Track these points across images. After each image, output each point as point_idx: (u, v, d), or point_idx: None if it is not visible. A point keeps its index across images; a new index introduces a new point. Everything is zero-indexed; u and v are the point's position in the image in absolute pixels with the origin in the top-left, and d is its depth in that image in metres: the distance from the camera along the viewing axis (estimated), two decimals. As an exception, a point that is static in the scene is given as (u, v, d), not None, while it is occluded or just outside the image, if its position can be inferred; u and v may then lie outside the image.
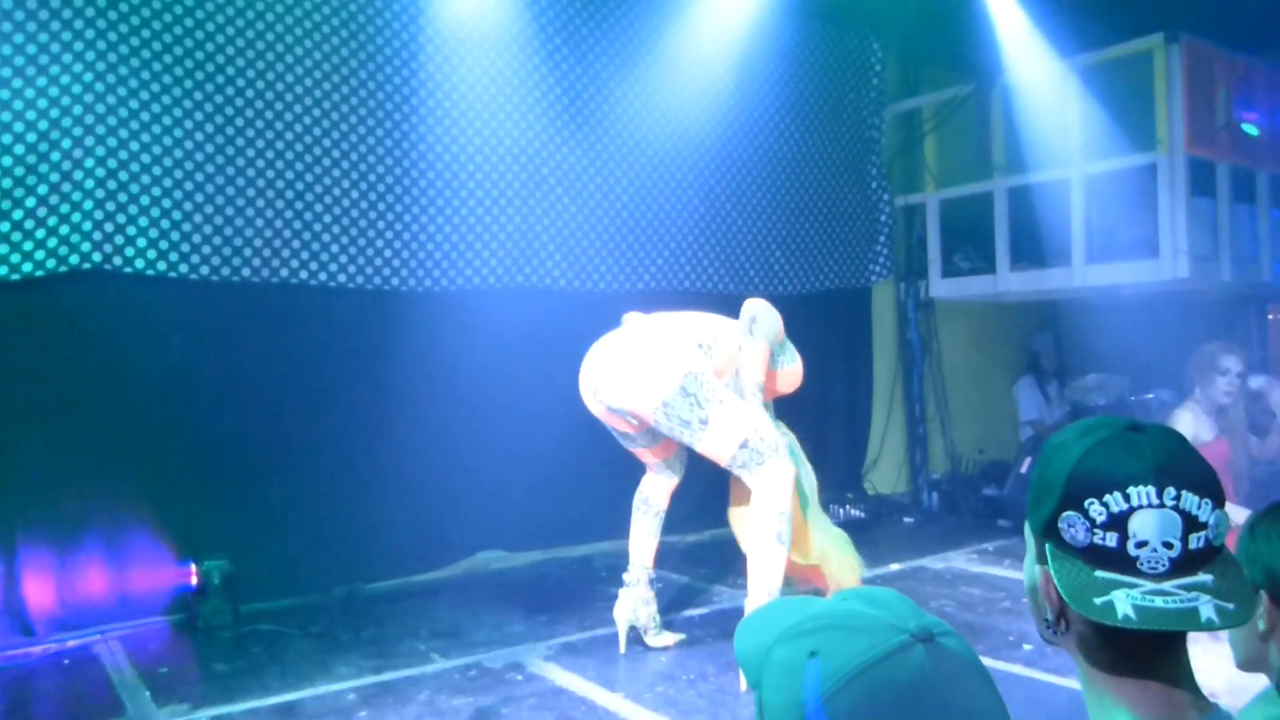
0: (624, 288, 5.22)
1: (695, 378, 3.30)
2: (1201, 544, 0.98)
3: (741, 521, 3.53)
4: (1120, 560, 0.98)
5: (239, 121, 4.19)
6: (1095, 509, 0.99)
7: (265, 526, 4.22)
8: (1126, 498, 0.98)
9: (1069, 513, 1.01)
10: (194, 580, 3.97)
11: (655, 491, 3.70)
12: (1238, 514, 4.28)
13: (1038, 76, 5.88)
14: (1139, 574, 0.98)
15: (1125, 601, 0.96)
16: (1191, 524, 0.98)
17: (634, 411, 3.41)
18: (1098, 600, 0.97)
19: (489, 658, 3.57)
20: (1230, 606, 0.97)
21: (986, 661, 2.95)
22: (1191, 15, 5.74)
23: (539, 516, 5.03)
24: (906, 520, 6.22)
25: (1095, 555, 0.99)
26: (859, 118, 6.49)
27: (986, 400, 7.17)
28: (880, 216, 6.62)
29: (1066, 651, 1.08)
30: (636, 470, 3.79)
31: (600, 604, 4.21)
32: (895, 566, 4.91)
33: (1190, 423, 4.47)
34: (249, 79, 4.22)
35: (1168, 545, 0.97)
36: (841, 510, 6.06)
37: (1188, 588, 0.97)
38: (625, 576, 3.66)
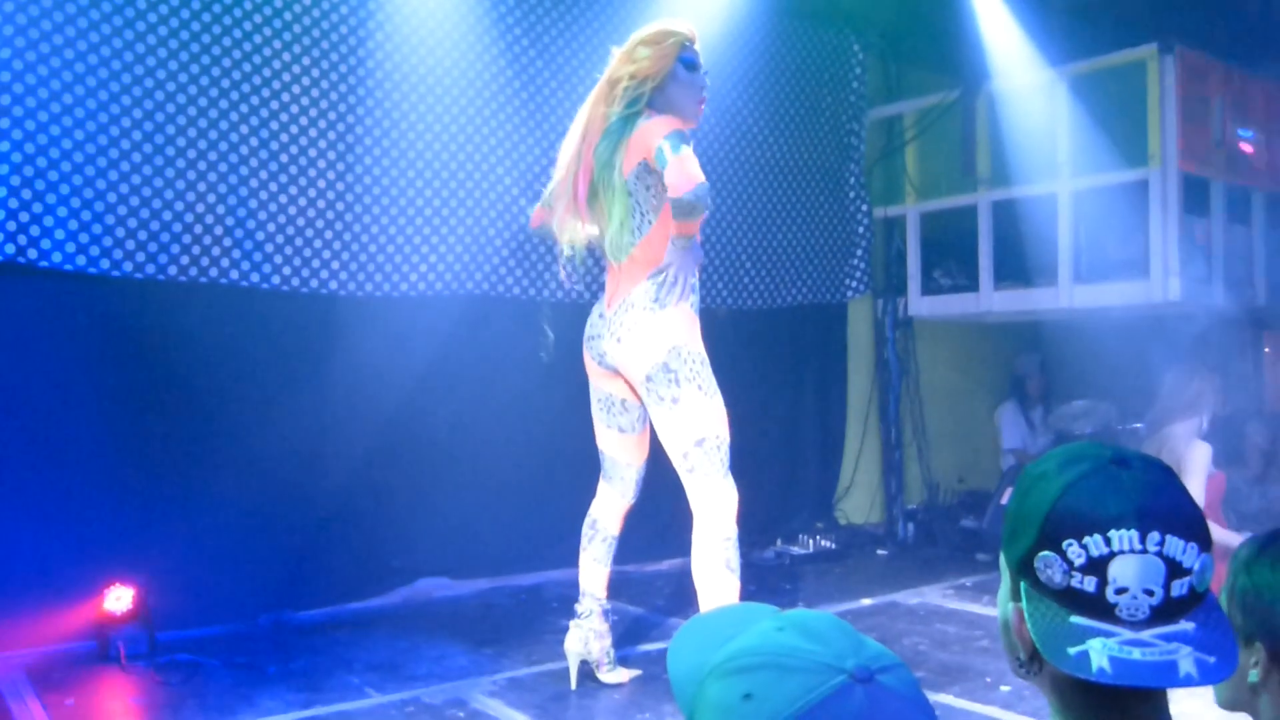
0: (583, 298, 5.26)
1: (680, 353, 3.33)
2: (1185, 591, 1.00)
3: None
4: (1098, 606, 1.00)
5: (169, 108, 4.20)
6: (1074, 551, 1.01)
7: (185, 548, 4.20)
8: (1107, 541, 1.00)
9: (1046, 552, 1.02)
10: (106, 605, 3.93)
11: (605, 515, 3.71)
12: (1231, 539, 4.43)
13: (1025, 85, 6.03)
14: (1117, 621, 0.99)
15: (1101, 653, 0.98)
16: (1175, 570, 0.99)
17: (625, 376, 3.44)
18: (1072, 650, 0.99)
19: (428, 693, 3.59)
20: (1211, 660, 0.98)
21: (962, 704, 3.00)
22: (1186, 25, 5.93)
23: (486, 542, 5.06)
24: (880, 552, 6.30)
25: (1072, 599, 1.01)
26: (837, 122, 6.61)
27: (967, 426, 7.30)
28: (858, 228, 6.74)
29: (1039, 689, 1.11)
30: (590, 493, 3.83)
31: (550, 636, 4.24)
32: (867, 601, 4.99)
33: (1208, 455, 4.60)
34: (182, 61, 4.23)
35: (1149, 592, 0.99)
36: (811, 541, 6.14)
37: (1168, 638, 0.98)
38: (577, 608, 3.70)
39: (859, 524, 6.71)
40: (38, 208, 3.90)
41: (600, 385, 3.61)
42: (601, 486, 3.73)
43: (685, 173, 3.14)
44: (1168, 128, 5.53)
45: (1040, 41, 6.03)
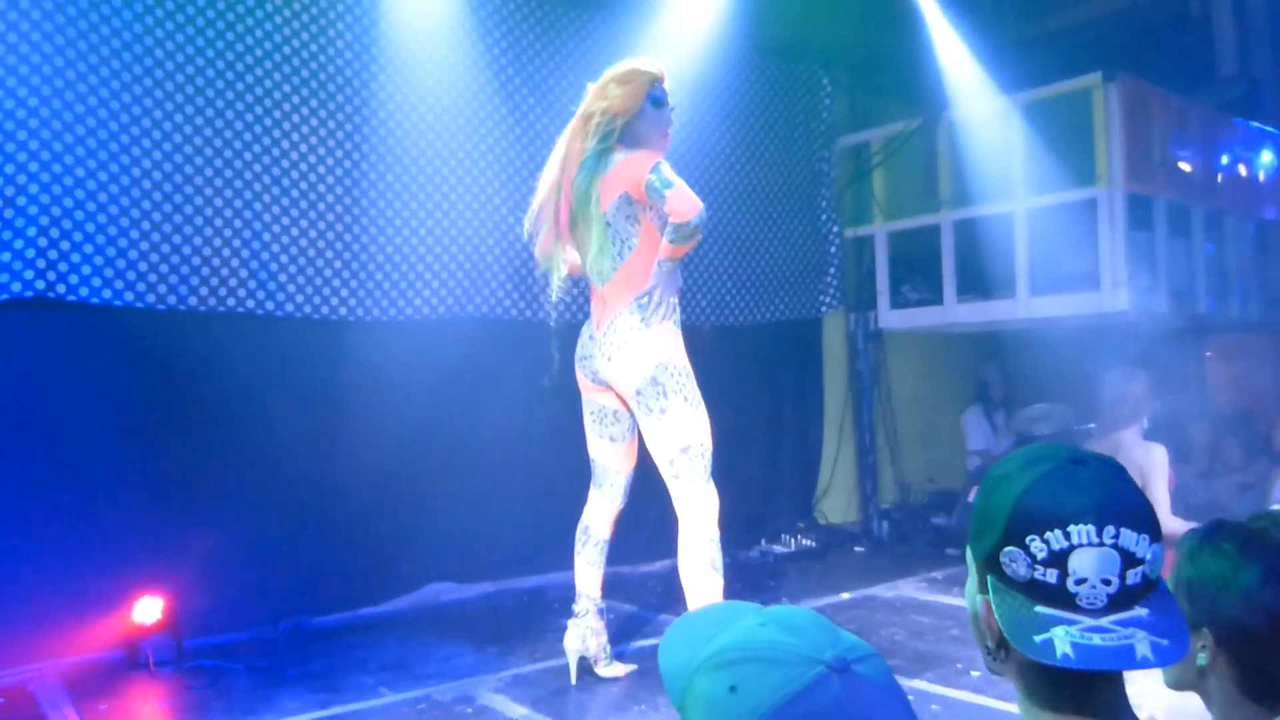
0: (576, 318, 5.28)
1: (666, 368, 3.35)
2: (1139, 579, 1.03)
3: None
4: (1060, 596, 1.02)
5: (187, 149, 4.22)
6: (1036, 546, 1.03)
7: (209, 560, 4.19)
8: (1067, 535, 1.02)
9: (1011, 548, 1.04)
10: (135, 615, 3.93)
11: (597, 520, 3.71)
12: (1181, 529, 4.44)
13: (982, 112, 6.10)
14: (1078, 610, 1.02)
15: (1064, 640, 1.00)
16: (1129, 560, 1.02)
17: (617, 390, 3.46)
18: (1037, 638, 1.01)
19: (439, 690, 3.59)
20: (1165, 643, 1.01)
21: (935, 689, 3.02)
22: (1128, 56, 6.02)
23: (489, 547, 5.06)
24: (857, 549, 6.33)
25: (1036, 590, 1.03)
26: (809, 150, 6.67)
27: (935, 430, 7.34)
28: (830, 248, 6.79)
29: (1008, 679, 1.13)
30: (585, 499, 3.84)
31: (552, 635, 4.24)
32: (846, 595, 5.01)
33: (1165, 457, 4.64)
34: (198, 106, 4.25)
35: (1106, 582, 1.01)
36: (793, 540, 6.15)
37: (1125, 624, 1.01)
38: (574, 608, 3.70)
39: (837, 523, 6.73)
40: (65, 245, 3.92)
41: (593, 398, 3.63)
42: (592, 494, 3.74)
43: (688, 199, 3.19)
44: (1113, 150, 5.60)
45: (994, 72, 6.11)
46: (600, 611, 3.70)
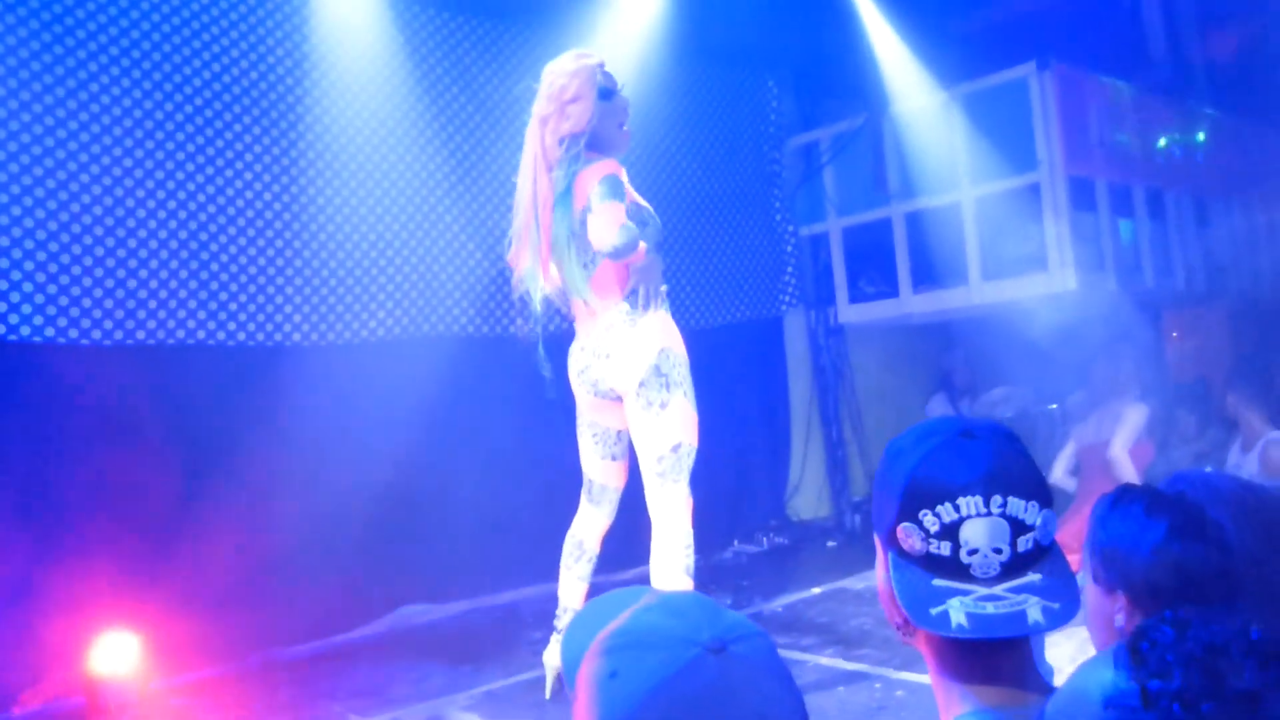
0: (535, 332, 5.18)
1: (669, 355, 3.26)
2: (1030, 546, 1.02)
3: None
4: (954, 568, 1.02)
5: (128, 182, 4.09)
6: (929, 520, 1.03)
7: (174, 597, 4.03)
8: (957, 508, 1.01)
9: (906, 523, 1.04)
10: (94, 657, 3.76)
11: (590, 536, 3.58)
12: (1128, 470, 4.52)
13: (924, 106, 6.09)
14: (972, 580, 1.01)
15: (959, 610, 1.00)
16: (1019, 528, 1.01)
17: (619, 390, 3.33)
18: (934, 611, 1.01)
19: (408, 713, 3.48)
20: (1056, 606, 1.01)
21: (901, 675, 2.93)
22: (1060, 44, 6.02)
23: (462, 566, 4.92)
24: (830, 544, 6.25)
25: (931, 563, 1.03)
26: (758, 153, 6.64)
27: (902, 420, 7.25)
28: (786, 247, 6.75)
29: (918, 649, 1.11)
30: (560, 512, 3.73)
31: (526, 649, 4.14)
32: (816, 590, 4.93)
33: (1143, 416, 4.67)
34: (136, 139, 4.12)
35: (998, 551, 1.01)
36: (766, 539, 6.07)
37: (1017, 590, 1.00)
38: (557, 623, 3.57)
39: (809, 519, 6.65)
40: (2, 284, 3.76)
41: (595, 418, 3.49)
42: (587, 510, 3.59)
43: (602, 230, 3.08)
44: (1051, 135, 5.62)
45: (933, 66, 6.11)
46: None
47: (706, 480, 5.48)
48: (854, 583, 5.00)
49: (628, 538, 4.79)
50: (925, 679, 3.25)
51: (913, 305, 6.33)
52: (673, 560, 3.20)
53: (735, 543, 6.10)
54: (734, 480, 6.31)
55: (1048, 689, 1.04)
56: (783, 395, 6.77)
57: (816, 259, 6.92)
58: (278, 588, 4.33)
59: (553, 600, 3.67)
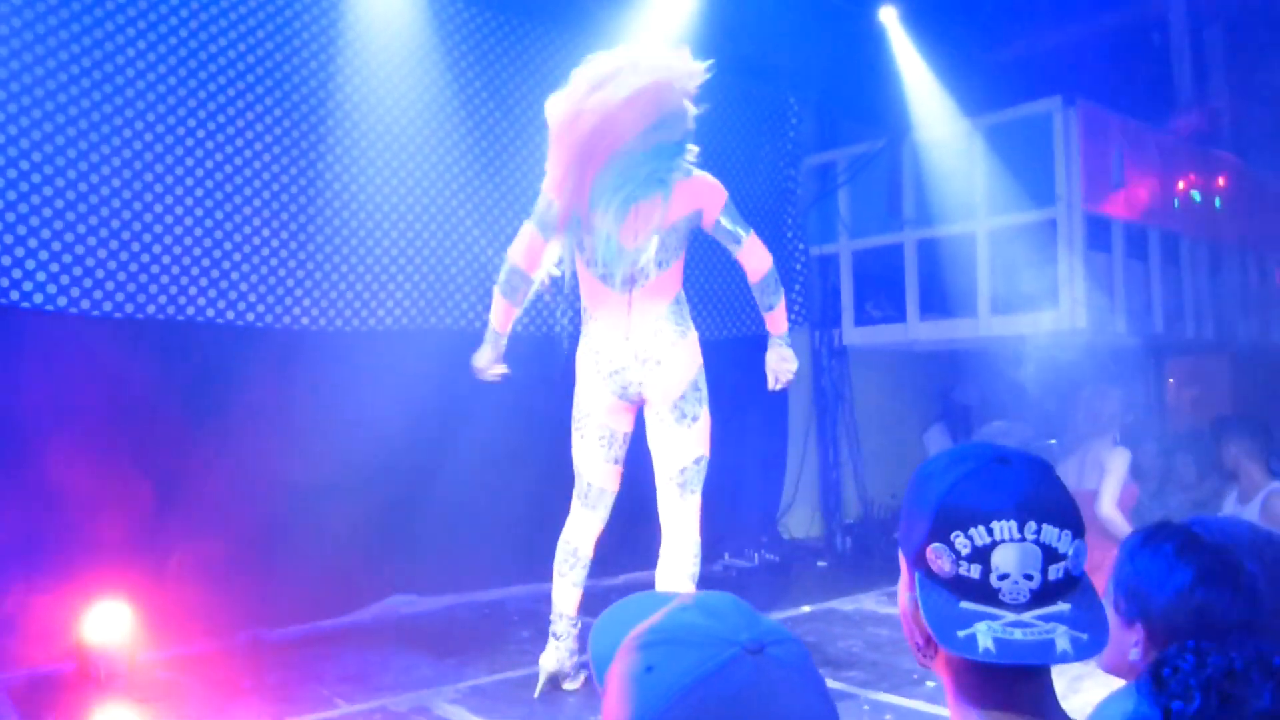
0: (540, 331, 5.30)
1: (702, 372, 3.44)
2: (1061, 575, 1.04)
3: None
4: (983, 592, 1.03)
5: (147, 156, 4.19)
6: (960, 542, 1.04)
7: (165, 572, 4.14)
8: (990, 532, 1.03)
9: (936, 544, 1.06)
10: (85, 627, 3.86)
11: (584, 541, 3.62)
12: (1118, 518, 4.62)
13: (945, 134, 6.18)
14: (1001, 605, 1.03)
15: (986, 634, 1.01)
16: (1051, 555, 1.03)
17: (651, 397, 3.43)
18: (961, 633, 1.02)
19: (395, 701, 3.56)
20: (1085, 637, 1.02)
21: (890, 699, 3.01)
22: (1086, 81, 6.14)
23: (450, 560, 5.02)
24: (820, 564, 6.36)
25: (960, 586, 1.04)
26: (775, 169, 6.75)
27: (898, 446, 7.39)
28: (795, 265, 6.85)
29: (936, 673, 1.14)
30: (549, 512, 3.82)
31: (512, 647, 4.23)
32: (806, 609, 5.03)
33: (1127, 460, 4.75)
34: (158, 114, 4.23)
35: (1029, 577, 1.02)
36: (756, 555, 6.17)
37: (1046, 619, 1.02)
38: (554, 629, 3.62)
39: (800, 538, 6.76)
40: (20, 251, 3.87)
41: (610, 421, 3.54)
42: (583, 515, 3.62)
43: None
44: (1072, 172, 5.70)
45: (958, 95, 6.21)
46: (580, 633, 3.62)
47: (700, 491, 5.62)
48: (843, 604, 5.10)
49: (618, 545, 4.92)
50: (914, 704, 3.39)
51: (918, 332, 6.42)
52: (684, 568, 3.32)
53: (726, 556, 6.20)
54: (727, 494, 6.37)
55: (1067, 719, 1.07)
56: (781, 413, 6.87)
57: (825, 280, 7.03)
58: (269, 569, 4.42)
59: (539, 600, 3.75)
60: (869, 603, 5.14)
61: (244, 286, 4.44)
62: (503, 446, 5.06)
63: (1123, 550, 1.49)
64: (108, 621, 3.86)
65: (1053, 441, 6.76)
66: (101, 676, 3.80)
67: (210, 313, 4.34)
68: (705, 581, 5.50)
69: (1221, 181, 7.25)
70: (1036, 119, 5.87)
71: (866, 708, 3.46)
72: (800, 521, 6.86)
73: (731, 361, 6.42)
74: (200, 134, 4.33)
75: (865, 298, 6.80)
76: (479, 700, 3.57)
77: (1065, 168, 5.71)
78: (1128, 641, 1.41)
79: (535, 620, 4.64)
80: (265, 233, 4.51)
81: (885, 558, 6.30)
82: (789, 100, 6.83)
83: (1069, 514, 1.06)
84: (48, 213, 3.94)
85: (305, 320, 4.61)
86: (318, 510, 4.57)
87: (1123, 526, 4.67)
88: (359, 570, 4.78)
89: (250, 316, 4.45)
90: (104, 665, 3.82)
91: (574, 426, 3.62)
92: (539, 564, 3.79)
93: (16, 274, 3.87)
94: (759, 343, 6.63)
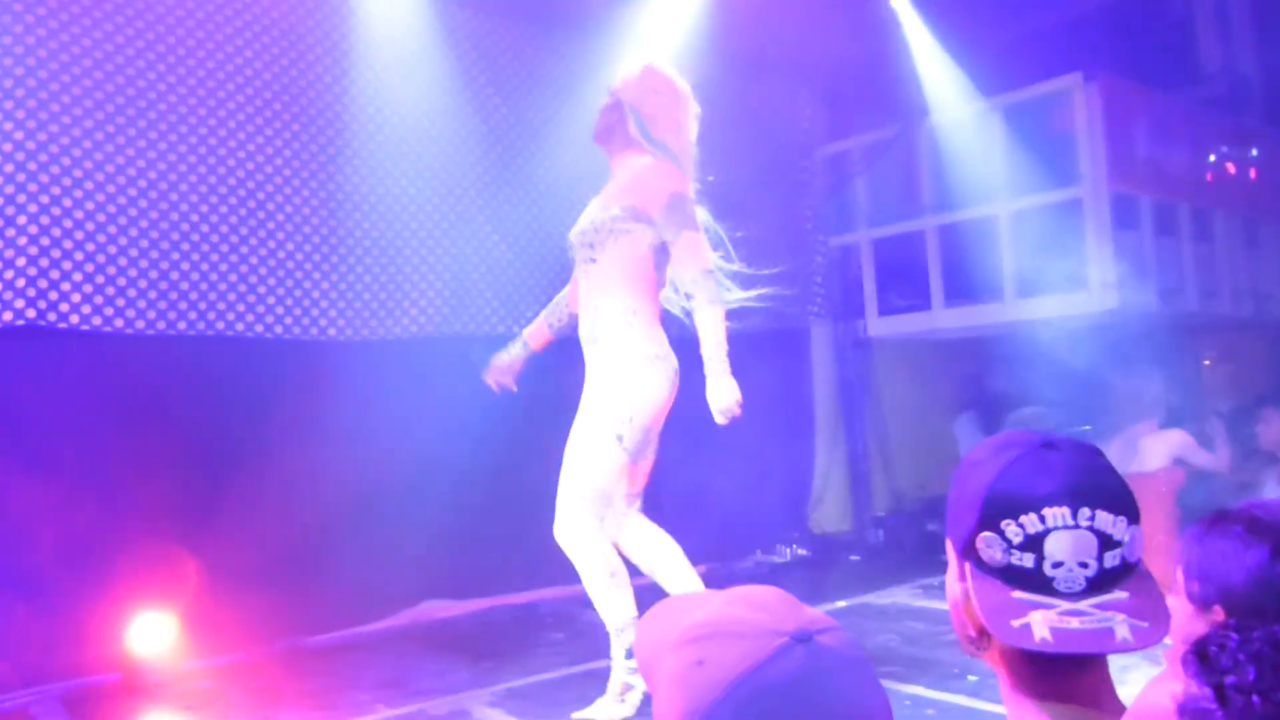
0: (563, 333, 5.39)
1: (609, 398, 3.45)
2: (1117, 562, 1.03)
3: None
4: (1037, 581, 1.02)
5: (172, 176, 4.37)
6: (1012, 530, 1.03)
7: (205, 582, 4.29)
8: (1042, 519, 1.02)
9: (987, 533, 1.05)
10: (132, 637, 4.03)
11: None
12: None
13: (961, 116, 6.19)
14: (1056, 594, 1.01)
15: (1042, 624, 1.00)
16: (1106, 542, 1.02)
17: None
18: (1015, 623, 1.01)
19: (434, 705, 3.68)
20: (1145, 625, 1.01)
21: (931, 694, 3.06)
22: (1106, 55, 6.13)
23: (483, 564, 5.16)
24: (852, 558, 6.43)
25: (1012, 575, 1.03)
26: (790, 161, 6.81)
27: (927, 436, 7.42)
28: (815, 257, 6.92)
29: (990, 665, 1.14)
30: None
31: (545, 649, 4.36)
32: (840, 604, 5.09)
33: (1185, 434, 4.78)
34: (180, 134, 4.41)
35: (1083, 565, 1.01)
36: (787, 550, 6.24)
37: (1104, 607, 1.01)
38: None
39: (831, 532, 6.82)
40: (55, 274, 4.06)
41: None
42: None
43: None
44: (1095, 149, 5.67)
45: (974, 75, 6.21)
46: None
47: (728, 488, 5.73)
48: (878, 598, 5.17)
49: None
50: (956, 698, 3.45)
51: (944, 320, 6.43)
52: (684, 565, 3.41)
53: (757, 553, 6.28)
54: (756, 489, 6.47)
55: (1124, 710, 1.06)
56: (807, 406, 6.94)
57: (845, 270, 7.06)
58: (303, 577, 4.58)
59: (571, 602, 3.82)
60: (903, 596, 5.20)
61: (270, 300, 4.61)
62: (534, 450, 5.16)
63: (1187, 539, 1.52)
64: (153, 631, 4.03)
65: (1087, 428, 6.79)
66: (148, 686, 3.96)
67: (240, 326, 4.52)
68: (735, 580, 5.60)
69: (1255, 151, 7.17)
70: (1056, 96, 5.86)
71: (907, 703, 3.44)
72: (830, 515, 6.92)
73: (754, 356, 6.48)
74: (222, 152, 4.50)
75: (888, 287, 6.81)
76: (516, 703, 3.68)
77: (1088, 145, 5.68)
78: (1202, 627, 1.42)
79: (568, 622, 4.76)
80: (289, 246, 4.67)
81: (917, 550, 6.35)
82: (800, 91, 6.88)
83: (1123, 499, 1.05)
84: (80, 235, 4.12)
85: (332, 331, 4.77)
86: (351, 518, 4.72)
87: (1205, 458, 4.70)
88: (393, 576, 4.92)
89: (279, 329, 4.62)
90: (150, 675, 3.98)
91: (633, 442, 3.40)
92: (570, 567, 3.89)
93: (53, 295, 4.05)
94: (782, 338, 6.76)
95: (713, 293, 3.47)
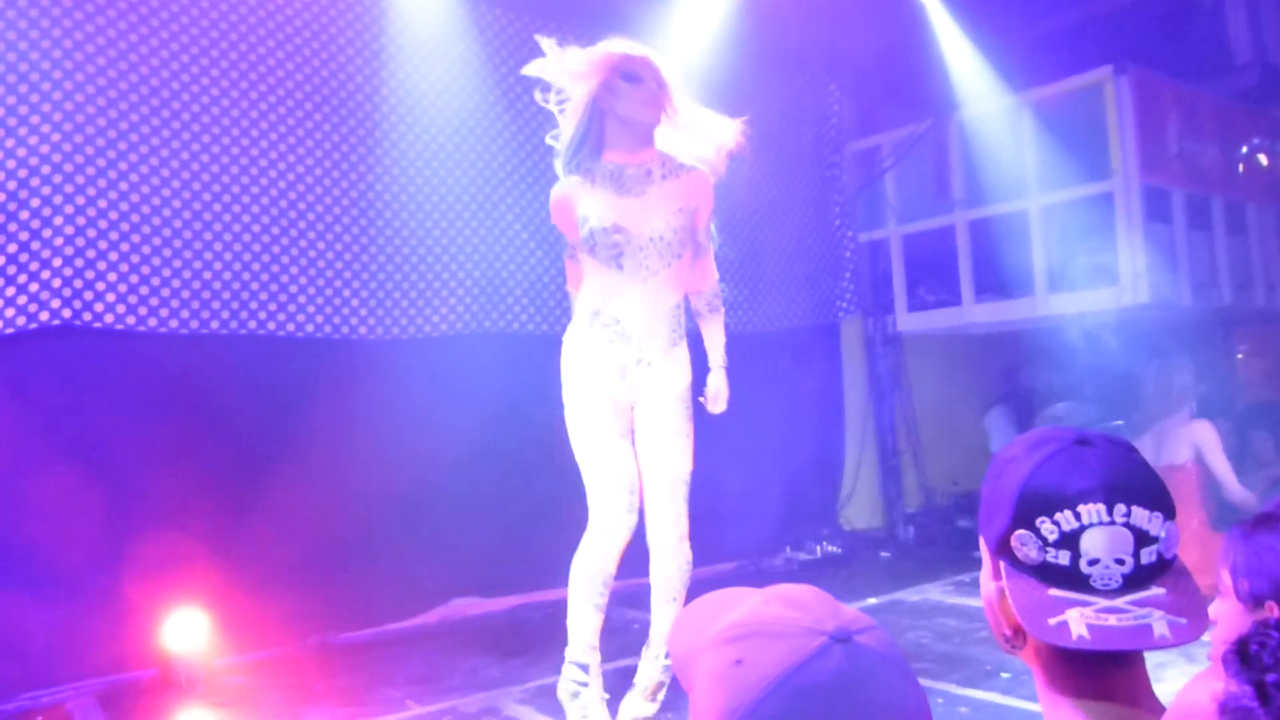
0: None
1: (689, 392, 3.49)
2: (1154, 558, 1.02)
3: None
4: (1073, 578, 1.01)
5: (205, 177, 4.41)
6: (1047, 528, 1.02)
7: (239, 580, 4.33)
8: (1077, 516, 1.01)
9: (1021, 531, 1.04)
10: (166, 634, 4.07)
11: (614, 562, 3.53)
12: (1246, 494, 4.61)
13: (992, 111, 6.18)
14: (1092, 591, 1.01)
15: (1079, 622, 0.99)
16: (1143, 539, 1.01)
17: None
18: (1052, 621, 1.01)
19: (465, 703, 3.70)
20: (1183, 621, 1.00)
21: (964, 691, 3.05)
22: (1138, 48, 6.08)
23: (513, 561, 5.17)
24: (883, 554, 6.40)
25: (1048, 573, 1.02)
26: (819, 157, 6.81)
27: (957, 432, 7.40)
28: (844, 253, 6.90)
29: (1025, 663, 1.13)
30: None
31: (576, 646, 4.34)
32: (872, 601, 5.09)
33: (1213, 428, 4.75)
34: (214, 134, 4.45)
35: (1120, 562, 1.01)
36: (818, 547, 6.23)
37: (1141, 603, 1.00)
38: (585, 676, 3.35)
39: (862, 529, 6.81)
40: (90, 274, 4.10)
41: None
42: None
43: None
44: (1127, 143, 5.65)
45: (1004, 70, 6.18)
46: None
47: (758, 485, 5.73)
48: (910, 595, 5.15)
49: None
50: (989, 696, 3.43)
51: (974, 315, 6.41)
52: (686, 575, 3.42)
53: (787, 549, 6.27)
54: (786, 486, 6.47)
55: (1162, 709, 1.04)
56: (837, 402, 6.93)
57: (875, 266, 7.06)
58: (335, 574, 4.61)
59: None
60: (935, 593, 5.18)
61: (302, 299, 4.64)
62: (561, 447, 5.18)
63: (1233, 537, 1.51)
64: (187, 629, 4.07)
65: (1119, 423, 6.73)
66: (182, 682, 4.01)
67: (271, 325, 4.55)
68: (767, 577, 5.62)
69: (1287, 142, 7.12)
70: (1087, 90, 5.83)
71: (940, 700, 3.44)
72: (861, 512, 6.90)
73: (785, 352, 6.51)
74: (254, 153, 4.54)
75: (918, 282, 6.80)
76: (546, 700, 3.68)
77: (1120, 139, 5.66)
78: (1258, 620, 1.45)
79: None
80: (320, 245, 4.71)
81: (949, 546, 6.33)
82: (829, 86, 6.88)
83: (1159, 495, 1.04)
84: (115, 235, 4.17)
85: (363, 330, 4.80)
86: (382, 516, 4.75)
87: (1237, 490, 4.68)
88: (424, 573, 4.95)
89: (310, 328, 4.65)
90: (184, 671, 4.03)
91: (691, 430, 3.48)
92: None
93: (89, 295, 4.10)
94: (812, 334, 6.76)
95: (721, 301, 3.73)
